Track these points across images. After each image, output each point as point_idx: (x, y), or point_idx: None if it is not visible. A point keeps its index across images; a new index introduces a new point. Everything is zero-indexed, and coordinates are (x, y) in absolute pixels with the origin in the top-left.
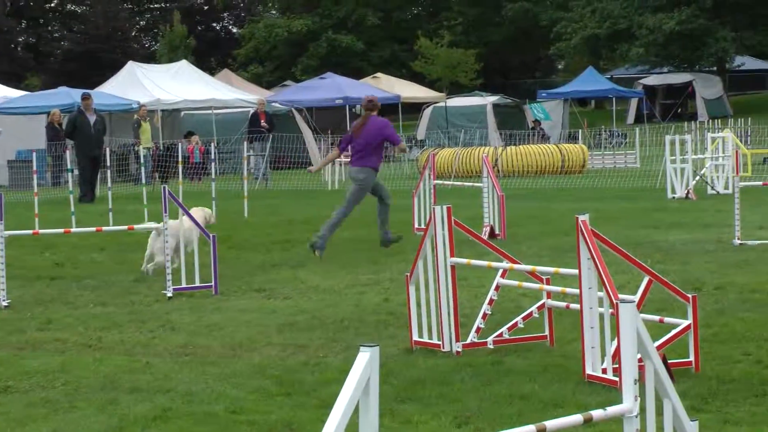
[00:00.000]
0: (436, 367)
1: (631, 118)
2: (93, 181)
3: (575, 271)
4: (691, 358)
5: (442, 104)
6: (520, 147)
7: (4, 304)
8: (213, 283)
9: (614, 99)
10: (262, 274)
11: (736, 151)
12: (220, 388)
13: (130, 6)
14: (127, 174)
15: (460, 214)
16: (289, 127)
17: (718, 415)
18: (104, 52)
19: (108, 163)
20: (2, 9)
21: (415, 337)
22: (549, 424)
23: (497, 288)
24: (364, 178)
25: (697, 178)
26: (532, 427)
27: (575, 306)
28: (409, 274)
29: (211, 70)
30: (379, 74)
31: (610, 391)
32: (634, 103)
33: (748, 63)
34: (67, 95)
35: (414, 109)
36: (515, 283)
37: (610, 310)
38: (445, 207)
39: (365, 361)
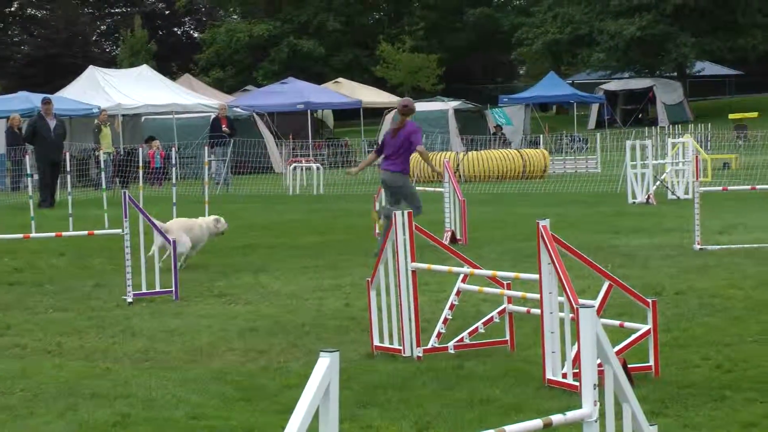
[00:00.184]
0: (397, 372)
1: (592, 123)
2: (53, 186)
3: (536, 276)
4: (651, 363)
5: None
6: (481, 152)
7: None
8: (174, 289)
9: (575, 104)
10: (223, 279)
11: (696, 157)
12: (180, 394)
13: (90, 10)
14: (88, 179)
15: (421, 219)
16: (250, 132)
17: (678, 419)
18: (65, 56)
19: (68, 168)
20: None
21: (376, 342)
22: (509, 429)
23: (458, 293)
24: (402, 185)
25: (658, 183)
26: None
27: (536, 311)
28: (370, 279)
29: (173, 75)
30: (340, 79)
31: (571, 396)
32: (595, 108)
33: (708, 68)
34: (26, 100)
35: (375, 114)
36: (476, 288)
37: (571, 315)
38: (406, 212)
39: (325, 367)
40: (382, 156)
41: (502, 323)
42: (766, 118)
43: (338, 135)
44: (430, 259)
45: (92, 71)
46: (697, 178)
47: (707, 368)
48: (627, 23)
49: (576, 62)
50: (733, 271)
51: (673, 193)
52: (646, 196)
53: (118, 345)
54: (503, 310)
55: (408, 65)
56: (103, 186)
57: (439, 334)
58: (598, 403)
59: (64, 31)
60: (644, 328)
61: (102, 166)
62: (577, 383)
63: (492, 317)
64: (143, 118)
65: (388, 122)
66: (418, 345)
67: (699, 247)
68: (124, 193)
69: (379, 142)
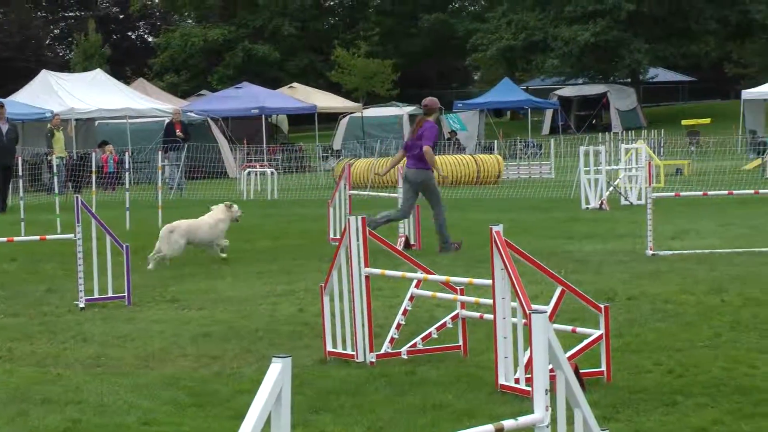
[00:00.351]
0: (350, 378)
1: (546, 129)
2: (4, 191)
3: (489, 282)
4: (603, 368)
5: (358, 114)
6: (435, 157)
7: None
8: (126, 294)
9: (529, 110)
10: (177, 284)
11: (649, 162)
12: (132, 400)
13: (44, 14)
14: (40, 184)
15: None
16: (204, 137)
17: (629, 424)
18: (17, 60)
19: (20, 173)
20: None
21: (329, 348)
22: None
23: (411, 298)
24: (423, 179)
25: (611, 188)
26: None
27: (489, 316)
28: (323, 284)
29: (127, 80)
30: (295, 84)
31: (523, 401)
32: (549, 114)
33: (662, 75)
34: None
35: (330, 119)
36: (429, 293)
37: (523, 320)
38: (360, 217)
39: (277, 372)
40: (407, 154)
41: (456, 328)
42: (718, 125)
43: (293, 140)
44: (383, 265)
45: (45, 75)
46: (649, 184)
47: (659, 373)
48: (581, 29)
49: (530, 68)
50: (685, 276)
51: (626, 198)
52: (600, 202)
53: (70, 350)
54: (456, 316)
55: (363, 70)
56: (56, 191)
57: (392, 339)
58: (550, 408)
59: (17, 34)
60: (596, 333)
61: (54, 170)
62: (529, 388)
63: (445, 322)
64: (97, 123)
65: (343, 127)
66: (372, 350)
67: (651, 252)
68: (77, 197)
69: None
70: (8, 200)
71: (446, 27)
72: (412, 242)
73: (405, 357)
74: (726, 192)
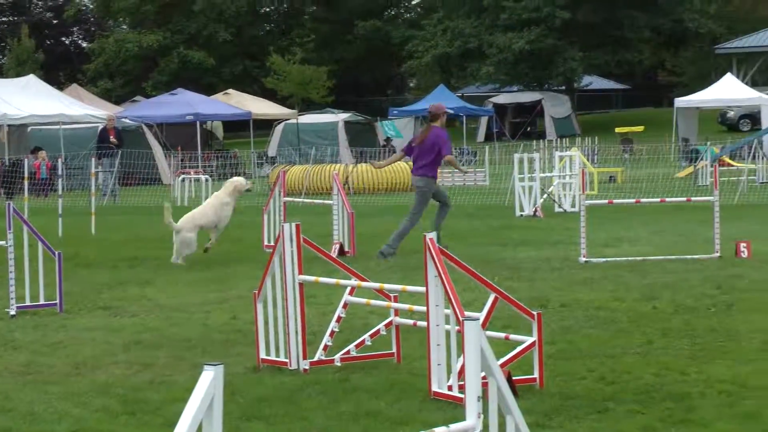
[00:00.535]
0: (283, 385)
1: (481, 136)
2: None
3: (423, 289)
4: (536, 375)
5: (293, 121)
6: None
7: None
8: (58, 301)
9: (464, 117)
10: (109, 291)
11: (583, 170)
12: (63, 408)
13: None
14: None
15: (309, 231)
16: (138, 143)
17: (561, 431)
18: None
19: None
20: None
21: (263, 355)
22: None
23: (345, 305)
24: (424, 185)
25: (545, 196)
26: None
27: (422, 323)
28: (257, 291)
29: (60, 85)
30: (230, 90)
31: (456, 408)
32: (484, 121)
33: (596, 82)
34: None
35: (265, 125)
36: (363, 300)
37: (457, 328)
38: (294, 224)
39: (209, 380)
40: (413, 160)
41: (389, 336)
42: (651, 132)
43: (228, 146)
44: (317, 272)
45: None
46: (583, 192)
47: (591, 380)
48: (516, 37)
49: (466, 75)
50: (617, 283)
51: (559, 206)
52: (534, 209)
53: (0, 358)
54: (390, 323)
55: (298, 77)
56: None
57: (325, 346)
58: (482, 416)
59: None
60: (529, 340)
61: None
62: (462, 395)
63: (379, 330)
64: (29, 129)
65: (278, 134)
66: (305, 358)
67: (584, 259)
68: (9, 204)
69: (410, 143)
70: None
71: (382, 34)
72: (346, 249)
73: (338, 364)
74: (658, 199)
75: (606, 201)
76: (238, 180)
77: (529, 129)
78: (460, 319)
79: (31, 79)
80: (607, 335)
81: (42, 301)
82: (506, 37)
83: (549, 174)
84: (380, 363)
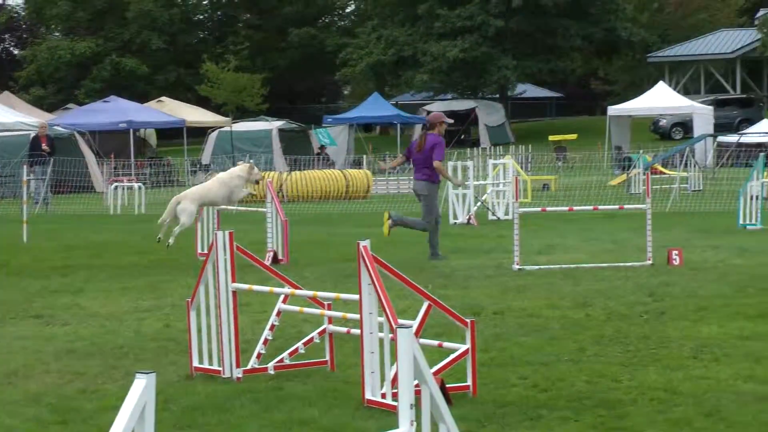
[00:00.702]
0: (216, 394)
1: None
2: None
3: (356, 297)
4: (469, 383)
5: (227, 128)
6: (305, 172)
7: None
8: None
9: (399, 125)
10: (41, 300)
11: (516, 178)
12: None
13: None
14: None
15: (243, 239)
16: (71, 151)
17: None
18: None
19: None
20: None
21: (196, 363)
22: None
23: (279, 313)
24: (426, 191)
25: (479, 204)
26: None
27: (356, 331)
28: (190, 299)
29: None
30: (164, 98)
31: (389, 416)
32: (418, 129)
33: (530, 91)
34: None
35: (199, 133)
36: (297, 308)
37: (390, 335)
38: (227, 232)
39: (141, 389)
40: (413, 166)
41: (323, 344)
42: (585, 140)
43: (161, 154)
44: (251, 280)
45: None
46: (516, 199)
47: (524, 387)
48: (450, 45)
49: (400, 83)
50: (550, 291)
51: (493, 213)
52: (467, 217)
53: None
54: (324, 331)
55: (232, 84)
56: None
57: (259, 354)
58: (415, 423)
59: None
60: (463, 347)
61: None
62: (396, 403)
63: (312, 338)
64: None
65: (212, 141)
66: (238, 366)
67: (518, 267)
68: None
69: (409, 149)
70: None
71: (316, 41)
72: (280, 257)
73: (272, 372)
74: (591, 207)
75: (539, 209)
76: (254, 169)
77: (463, 137)
78: (394, 326)
79: None
80: (540, 343)
81: None
82: (440, 45)
83: (483, 182)
84: (314, 371)
